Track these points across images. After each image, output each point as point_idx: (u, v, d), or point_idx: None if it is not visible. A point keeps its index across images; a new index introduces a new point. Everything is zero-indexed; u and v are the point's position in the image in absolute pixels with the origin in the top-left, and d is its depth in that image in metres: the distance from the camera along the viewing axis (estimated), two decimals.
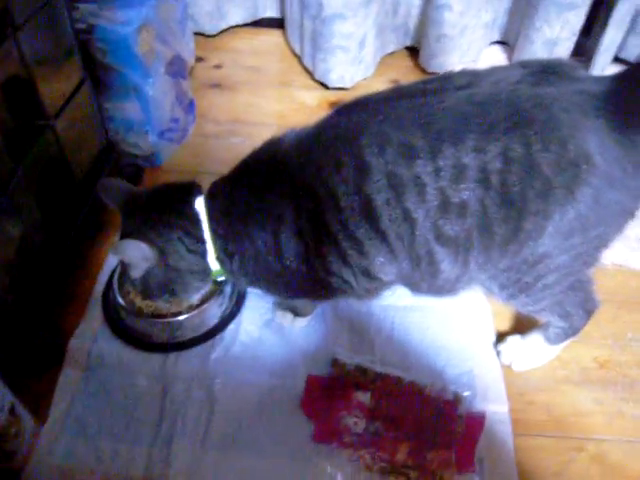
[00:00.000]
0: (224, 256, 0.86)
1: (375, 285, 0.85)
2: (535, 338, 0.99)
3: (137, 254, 0.84)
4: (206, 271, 0.89)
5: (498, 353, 1.02)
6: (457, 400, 0.95)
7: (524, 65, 0.76)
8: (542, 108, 0.70)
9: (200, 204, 0.85)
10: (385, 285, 0.86)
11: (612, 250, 1.17)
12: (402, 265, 0.80)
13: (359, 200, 0.74)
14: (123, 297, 1.02)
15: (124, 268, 1.04)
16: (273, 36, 1.74)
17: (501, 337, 1.04)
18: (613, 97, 0.71)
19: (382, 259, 0.79)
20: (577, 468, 0.92)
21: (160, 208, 0.87)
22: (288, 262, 0.82)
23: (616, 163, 0.70)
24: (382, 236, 0.76)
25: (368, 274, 0.81)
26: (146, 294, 0.92)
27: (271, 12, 1.73)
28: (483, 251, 0.75)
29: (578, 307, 0.90)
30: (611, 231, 0.79)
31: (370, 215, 0.74)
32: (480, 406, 0.95)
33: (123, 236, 0.87)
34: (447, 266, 0.78)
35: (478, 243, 0.74)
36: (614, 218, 0.76)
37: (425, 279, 0.82)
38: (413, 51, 1.64)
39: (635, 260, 1.20)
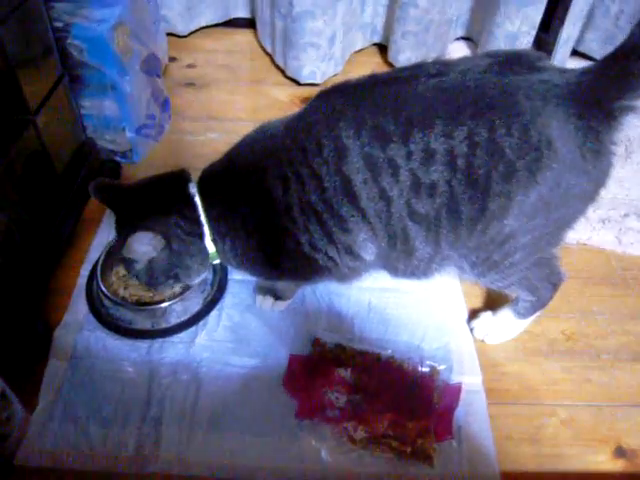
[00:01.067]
0: (218, 237, 0.90)
1: (357, 264, 0.89)
2: (505, 313, 1.04)
3: (144, 243, 0.86)
4: (205, 254, 0.92)
5: (471, 329, 1.07)
6: (434, 373, 0.99)
7: (491, 55, 0.81)
8: (506, 95, 0.74)
9: (193, 188, 0.89)
10: (366, 265, 0.90)
11: (577, 230, 1.25)
12: (381, 244, 0.84)
13: (340, 180, 0.79)
14: (107, 287, 1.05)
15: (106, 258, 1.07)
16: (244, 35, 1.78)
17: (473, 314, 1.09)
18: (577, 88, 0.75)
19: (364, 236, 0.83)
20: (549, 432, 0.97)
21: (155, 196, 0.90)
22: (277, 240, 0.86)
23: (576, 149, 0.75)
24: (363, 213, 0.80)
25: (351, 252, 0.86)
26: (152, 283, 0.94)
27: (242, 12, 1.77)
28: (452, 230, 0.80)
29: (544, 281, 0.95)
30: (573, 213, 0.84)
31: (351, 194, 0.79)
32: (456, 378, 0.99)
33: (122, 231, 0.88)
34: (420, 244, 0.83)
35: (447, 222, 0.79)
36: (575, 201, 0.81)
37: (401, 259, 0.87)
38: (381, 48, 1.69)
39: (598, 239, 1.26)
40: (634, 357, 1.09)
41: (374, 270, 0.92)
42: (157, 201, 0.89)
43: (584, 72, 0.77)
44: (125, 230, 0.87)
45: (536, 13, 1.51)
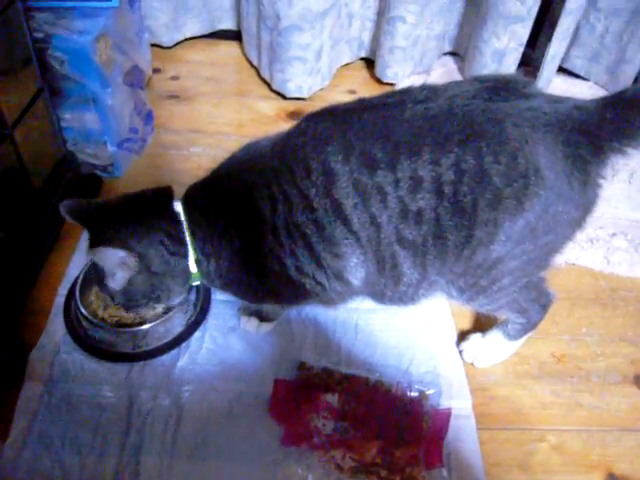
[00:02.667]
0: (202, 258, 0.87)
1: (345, 289, 0.87)
2: (495, 335, 1.02)
3: (114, 261, 0.82)
4: (187, 275, 0.89)
5: (460, 351, 1.05)
6: (423, 398, 0.97)
7: (480, 80, 0.80)
8: (494, 122, 0.74)
9: (178, 207, 0.86)
10: (353, 291, 0.88)
11: (565, 250, 1.23)
12: (370, 269, 0.82)
13: (331, 203, 0.77)
14: (86, 308, 1.01)
15: (85, 279, 1.04)
16: (230, 48, 1.75)
17: (462, 336, 1.07)
18: (568, 118, 0.75)
19: (355, 260, 0.81)
20: (539, 458, 0.95)
21: (138, 213, 0.86)
22: (263, 263, 0.83)
23: (564, 178, 0.75)
24: (356, 237, 0.79)
25: (340, 277, 0.84)
26: (129, 305, 0.90)
27: (228, 24, 1.75)
28: (439, 255, 0.79)
29: (534, 303, 0.94)
30: (560, 239, 0.83)
31: (343, 217, 0.77)
32: (445, 403, 0.97)
33: (97, 244, 0.83)
34: (408, 269, 0.81)
35: (434, 248, 0.78)
36: (562, 228, 0.81)
37: (389, 284, 0.85)
38: (368, 62, 1.68)
39: (587, 259, 1.25)
40: (623, 380, 1.07)
41: (361, 296, 0.90)
42: (141, 217, 0.86)
43: (577, 106, 0.76)
44: (102, 243, 0.82)
45: (523, 30, 1.51)
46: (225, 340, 1.03)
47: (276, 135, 0.87)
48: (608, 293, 1.21)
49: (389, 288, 0.86)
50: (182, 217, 0.85)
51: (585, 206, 0.79)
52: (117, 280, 0.85)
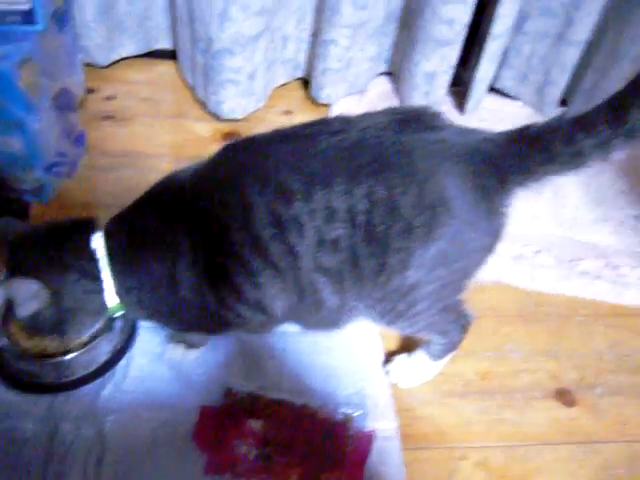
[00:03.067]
0: (123, 291, 0.86)
1: (268, 319, 0.88)
2: (420, 356, 1.04)
3: (27, 294, 0.82)
4: (102, 309, 0.89)
5: (387, 372, 1.07)
6: (348, 420, 0.98)
7: (392, 112, 0.83)
8: (403, 154, 0.76)
9: (98, 240, 0.85)
10: (277, 320, 0.89)
11: (491, 267, 1.27)
12: (291, 298, 0.83)
13: (249, 234, 0.78)
14: (8, 337, 0.99)
15: (8, 308, 1.02)
16: (167, 67, 1.74)
17: (389, 357, 1.09)
18: (475, 151, 0.79)
19: (275, 290, 0.82)
20: (462, 476, 0.98)
21: (55, 247, 0.85)
22: (184, 295, 0.84)
23: (471, 207, 0.78)
24: (275, 267, 0.80)
25: (262, 307, 0.85)
26: (32, 333, 0.90)
27: (164, 44, 1.74)
28: (357, 282, 0.81)
29: (453, 324, 0.97)
30: (473, 264, 0.86)
31: (261, 248, 0.78)
32: (371, 424, 0.99)
33: (12, 272, 0.83)
34: (328, 296, 0.83)
35: (351, 275, 0.80)
36: (473, 254, 0.84)
37: (311, 312, 0.87)
38: (305, 82, 1.70)
39: (511, 276, 1.29)
40: (545, 394, 1.11)
41: (285, 323, 0.91)
42: (58, 252, 0.85)
43: (485, 139, 0.79)
44: (17, 273, 0.82)
45: (453, 53, 1.55)
46: (151, 368, 1.03)
47: (196, 165, 0.87)
48: (532, 309, 1.25)
49: (311, 315, 0.88)
50: (101, 251, 0.85)
51: (493, 233, 0.83)
52: (25, 310, 0.84)
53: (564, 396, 1.12)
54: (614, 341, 1.23)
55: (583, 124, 0.74)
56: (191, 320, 0.88)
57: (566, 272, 1.32)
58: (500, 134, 0.81)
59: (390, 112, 0.83)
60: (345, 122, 0.81)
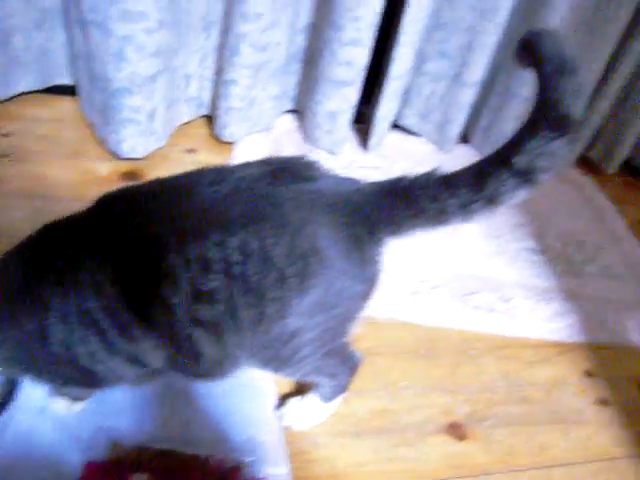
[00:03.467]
0: None
1: (145, 372, 0.86)
2: (312, 398, 1.05)
3: None
4: None
5: (280, 416, 1.06)
6: (240, 468, 0.97)
7: (267, 163, 0.85)
8: (276, 206, 0.78)
9: None
10: (156, 372, 0.87)
11: (387, 303, 1.30)
12: (168, 349, 0.82)
13: (121, 288, 0.77)
14: None
15: None
16: (69, 103, 1.71)
17: (283, 400, 1.09)
18: (347, 200, 0.81)
19: (149, 344, 0.81)
20: None
21: None
22: (54, 350, 0.81)
23: (344, 256, 0.80)
24: (148, 321, 0.78)
25: (137, 360, 0.83)
26: None
27: (65, 79, 1.71)
28: (236, 333, 0.81)
29: (341, 367, 0.98)
30: (351, 310, 0.88)
31: (133, 301, 0.77)
32: (263, 470, 0.98)
33: None
34: (207, 348, 0.82)
35: (229, 326, 0.80)
36: (350, 300, 0.85)
37: (191, 363, 0.85)
38: (210, 119, 1.70)
39: (407, 312, 1.33)
40: (438, 429, 1.14)
41: (166, 374, 0.90)
42: None
43: (358, 189, 0.82)
44: None
45: (353, 93, 1.60)
46: (33, 423, 0.98)
47: (73, 214, 0.85)
48: (427, 345, 1.29)
49: (192, 366, 0.87)
50: None
51: (367, 280, 0.85)
52: None
53: (456, 430, 1.15)
54: (505, 372, 1.28)
55: (448, 184, 0.78)
56: (65, 375, 0.86)
57: (461, 306, 1.36)
58: (373, 185, 0.84)
59: (265, 163, 0.85)
60: (220, 173, 0.82)
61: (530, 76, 1.70)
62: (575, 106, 0.72)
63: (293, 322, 0.81)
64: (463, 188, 0.76)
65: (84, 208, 0.85)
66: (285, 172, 0.82)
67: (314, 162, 0.86)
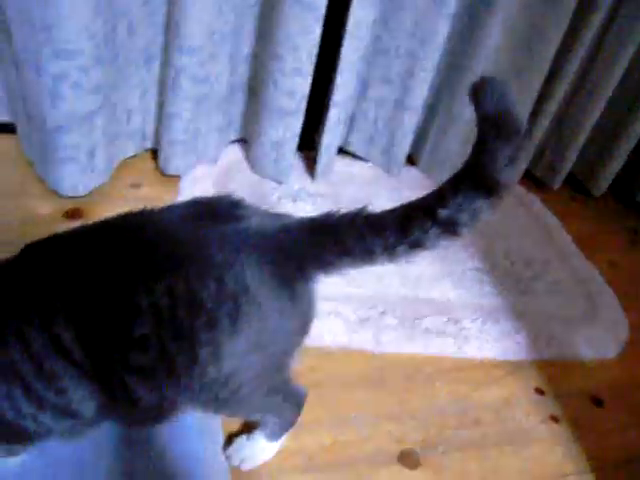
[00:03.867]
0: None
1: (77, 422, 0.84)
2: (258, 436, 1.03)
3: None
4: None
5: (227, 456, 1.05)
6: None
7: (193, 204, 0.85)
8: (200, 248, 0.77)
9: None
10: (89, 421, 0.85)
11: (336, 333, 1.30)
12: (102, 398, 0.80)
13: (49, 339, 0.75)
14: None
15: None
16: (9, 141, 1.67)
17: (230, 439, 1.07)
18: (273, 238, 0.81)
19: (82, 392, 0.79)
20: None
21: None
22: None
23: (273, 295, 0.79)
24: (79, 369, 0.76)
25: (68, 411, 0.80)
26: None
27: (4, 116, 1.67)
28: (171, 377, 0.79)
29: (284, 403, 0.97)
30: (288, 346, 0.87)
31: (63, 350, 0.75)
32: None
33: None
34: (142, 394, 0.80)
35: (163, 371, 0.78)
36: (285, 337, 0.85)
37: (127, 410, 0.83)
38: (156, 152, 1.69)
39: (358, 340, 1.32)
40: (390, 459, 1.13)
41: (101, 424, 0.88)
42: None
43: (284, 226, 0.82)
44: None
45: (296, 122, 1.61)
46: None
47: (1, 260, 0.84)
48: (378, 373, 1.28)
49: (130, 413, 0.85)
50: None
51: (301, 316, 0.84)
52: None
53: (408, 459, 1.14)
54: (456, 396, 1.29)
55: (374, 225, 0.78)
56: None
57: (410, 331, 1.37)
58: (301, 221, 0.84)
59: (190, 204, 0.84)
60: (146, 216, 0.82)
61: None
62: (505, 173, 0.72)
63: (228, 364, 0.80)
64: (388, 231, 0.77)
65: (8, 256, 0.83)
66: (210, 213, 0.82)
67: (240, 201, 0.86)
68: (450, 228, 0.75)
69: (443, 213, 0.74)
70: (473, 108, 0.74)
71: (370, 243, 0.78)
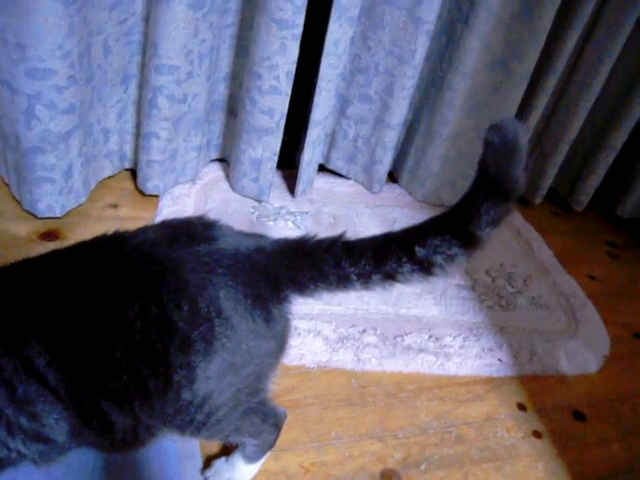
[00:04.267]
0: None
1: (49, 448, 0.82)
2: (237, 458, 1.01)
3: None
4: None
5: (206, 479, 1.03)
6: None
7: (166, 226, 0.85)
8: (173, 271, 0.77)
9: None
10: (62, 447, 0.83)
11: (317, 352, 1.29)
12: (74, 422, 0.79)
13: (21, 362, 0.74)
14: None
15: None
16: None
17: (208, 462, 1.05)
18: (247, 260, 0.81)
19: (55, 416, 0.77)
20: None
21: None
22: None
23: (247, 316, 0.78)
24: (54, 394, 0.75)
25: (40, 437, 0.79)
26: None
27: None
28: (145, 402, 0.78)
29: (262, 425, 0.95)
30: (264, 368, 0.86)
31: (37, 375, 0.74)
32: None
33: None
34: (117, 418, 0.79)
35: (137, 395, 0.77)
36: (261, 358, 0.84)
37: (102, 435, 0.82)
38: (135, 173, 1.68)
39: (338, 359, 1.31)
40: (370, 479, 1.12)
41: (75, 448, 0.86)
42: None
43: (258, 248, 0.82)
44: None
45: (275, 141, 1.60)
46: None
47: None
48: (359, 391, 1.27)
49: (103, 437, 0.83)
50: None
51: (276, 337, 0.83)
52: None
53: (390, 478, 1.13)
54: (438, 413, 1.28)
55: (351, 253, 0.79)
56: None
57: (391, 349, 1.36)
58: (277, 242, 0.84)
59: (163, 226, 0.84)
60: (119, 238, 0.81)
61: (450, 116, 1.74)
62: (485, 231, 0.74)
63: (203, 386, 0.79)
64: (365, 259, 0.78)
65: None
66: (183, 235, 0.81)
67: (213, 222, 0.86)
68: (424, 267, 0.77)
69: (420, 252, 0.76)
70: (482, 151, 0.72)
71: (346, 270, 0.79)
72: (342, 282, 0.80)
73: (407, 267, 0.77)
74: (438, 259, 0.76)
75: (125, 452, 0.89)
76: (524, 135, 0.70)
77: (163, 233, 0.81)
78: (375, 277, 0.79)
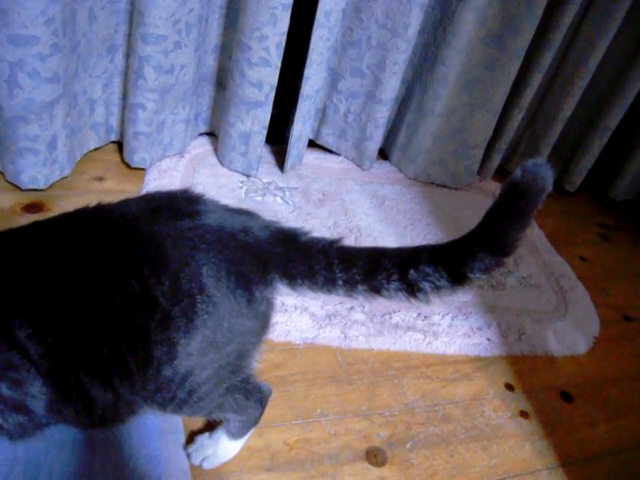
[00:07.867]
0: None
1: (27, 420, 0.80)
2: (220, 434, 1.00)
3: None
4: None
5: (188, 454, 1.01)
6: None
7: (149, 199, 0.83)
8: (154, 245, 0.75)
9: None
10: (40, 421, 0.82)
11: (303, 329, 1.27)
12: (53, 395, 0.78)
13: (2, 332, 0.73)
14: None
15: None
16: None
17: (191, 438, 1.04)
18: (232, 238, 0.79)
19: (37, 388, 0.76)
20: None
21: None
22: None
23: (231, 293, 0.77)
24: (34, 365, 0.74)
25: (20, 406, 0.77)
26: None
27: None
28: (126, 378, 0.77)
29: (245, 401, 0.94)
30: (246, 346, 0.85)
31: (18, 346, 0.73)
32: None
33: None
34: (97, 394, 0.78)
35: (117, 371, 0.76)
36: (243, 337, 0.83)
37: (81, 410, 0.81)
38: (121, 145, 1.65)
39: (325, 336, 1.30)
40: (355, 457, 1.11)
41: (53, 424, 0.84)
42: None
43: (246, 228, 0.80)
44: None
45: (264, 114, 1.57)
46: None
47: None
48: (345, 368, 1.26)
49: (83, 413, 0.82)
50: None
51: (258, 317, 0.82)
52: None
53: (375, 456, 1.12)
54: (424, 392, 1.27)
55: (344, 260, 0.80)
56: None
57: (379, 327, 1.35)
58: (268, 228, 0.83)
59: (145, 200, 0.83)
60: (100, 212, 0.79)
61: (443, 92, 1.72)
62: (475, 275, 0.75)
63: (184, 363, 0.77)
64: (355, 269, 0.79)
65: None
66: (166, 208, 0.79)
67: (198, 196, 0.83)
68: (410, 289, 0.78)
69: (411, 275, 0.77)
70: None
71: (335, 274, 0.79)
72: (328, 285, 0.81)
73: (394, 285, 0.78)
74: (425, 286, 0.77)
75: (105, 428, 0.88)
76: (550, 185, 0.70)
77: (146, 206, 0.79)
78: (361, 287, 0.80)
